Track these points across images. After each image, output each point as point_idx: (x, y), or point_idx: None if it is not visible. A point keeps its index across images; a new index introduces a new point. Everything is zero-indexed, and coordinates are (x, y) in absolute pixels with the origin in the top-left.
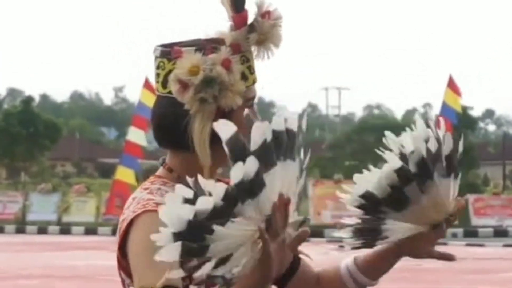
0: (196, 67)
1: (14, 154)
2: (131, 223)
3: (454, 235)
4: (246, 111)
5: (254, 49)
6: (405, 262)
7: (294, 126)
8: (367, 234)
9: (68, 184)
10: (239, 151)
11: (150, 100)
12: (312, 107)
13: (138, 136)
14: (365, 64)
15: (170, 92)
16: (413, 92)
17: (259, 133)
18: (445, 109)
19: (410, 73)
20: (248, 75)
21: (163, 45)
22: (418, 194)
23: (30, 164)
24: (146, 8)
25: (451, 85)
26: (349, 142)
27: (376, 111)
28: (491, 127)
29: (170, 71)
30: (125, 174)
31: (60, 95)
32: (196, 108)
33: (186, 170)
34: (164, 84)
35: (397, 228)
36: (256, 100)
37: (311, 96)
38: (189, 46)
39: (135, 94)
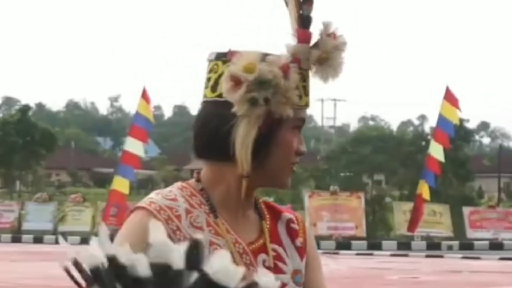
0: (253, 65)
1: (10, 163)
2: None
3: (450, 248)
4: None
5: (312, 69)
6: (402, 275)
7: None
8: None
9: (63, 193)
10: None
11: (146, 111)
12: (308, 118)
13: (135, 146)
14: (361, 75)
15: (219, 96)
16: (408, 104)
17: None
18: (442, 121)
19: (405, 85)
20: (302, 94)
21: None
22: None
23: (26, 173)
24: (144, 17)
25: (449, 97)
26: (344, 154)
27: (371, 123)
28: (486, 140)
29: (223, 74)
30: (121, 184)
31: (56, 104)
32: (245, 110)
33: (215, 184)
34: (214, 87)
35: None
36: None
37: None
38: None
39: (130, 103)
